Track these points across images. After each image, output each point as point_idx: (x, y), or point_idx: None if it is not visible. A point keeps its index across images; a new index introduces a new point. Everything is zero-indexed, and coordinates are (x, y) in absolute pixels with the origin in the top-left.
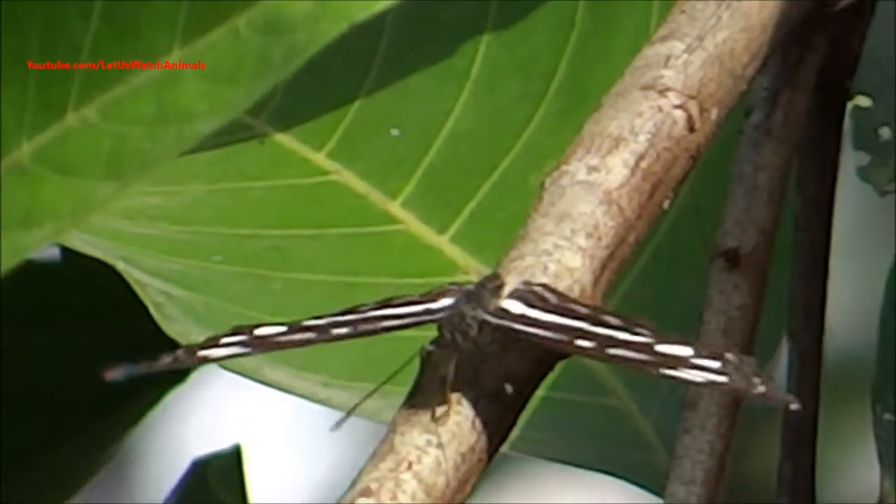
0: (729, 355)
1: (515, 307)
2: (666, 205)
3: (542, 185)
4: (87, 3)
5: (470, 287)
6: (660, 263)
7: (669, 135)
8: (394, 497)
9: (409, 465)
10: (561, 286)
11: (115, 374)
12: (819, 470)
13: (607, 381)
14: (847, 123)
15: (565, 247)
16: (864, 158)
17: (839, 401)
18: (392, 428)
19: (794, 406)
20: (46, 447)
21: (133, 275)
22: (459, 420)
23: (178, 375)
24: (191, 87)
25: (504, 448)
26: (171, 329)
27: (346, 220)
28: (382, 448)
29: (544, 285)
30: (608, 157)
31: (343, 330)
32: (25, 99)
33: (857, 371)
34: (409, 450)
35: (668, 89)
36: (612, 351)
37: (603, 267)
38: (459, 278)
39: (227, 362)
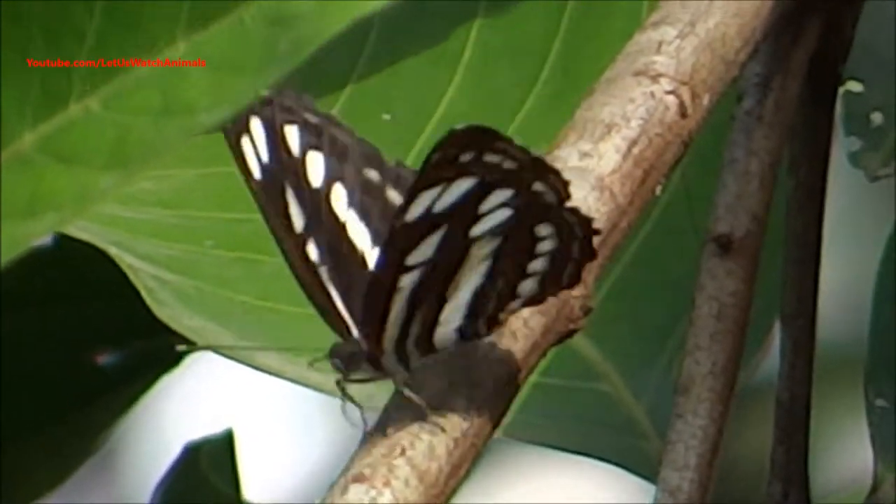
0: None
1: None
2: (658, 190)
3: None
4: None
5: None
6: (651, 249)
7: (661, 121)
8: (387, 482)
9: (402, 451)
10: None
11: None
12: (812, 455)
13: (600, 367)
14: (839, 109)
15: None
16: (856, 144)
17: (832, 386)
18: (385, 413)
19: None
20: (38, 430)
21: (125, 259)
22: (452, 406)
23: (172, 360)
24: (196, 79)
25: (497, 433)
26: (163, 313)
27: None
28: (375, 433)
29: None
30: (600, 142)
31: None
32: (28, 88)
33: (849, 356)
34: (402, 435)
35: (660, 75)
36: None
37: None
38: None
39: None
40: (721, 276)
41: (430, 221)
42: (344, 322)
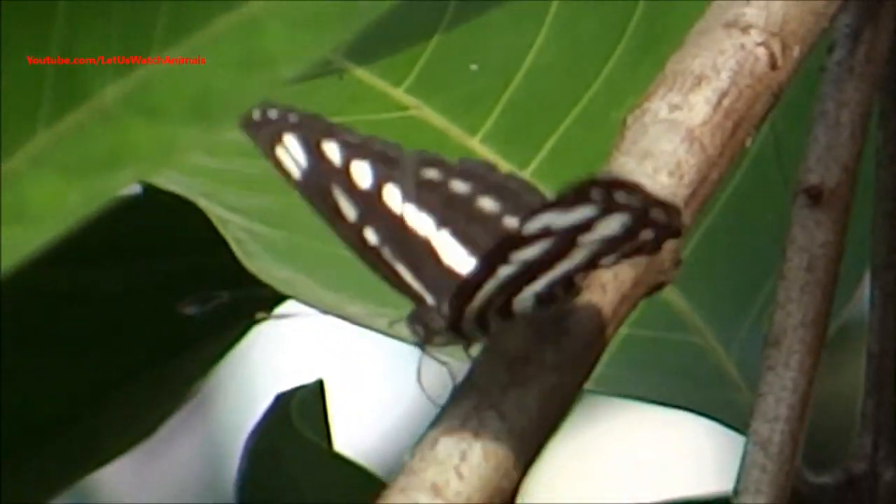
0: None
1: None
2: (748, 142)
3: (624, 122)
4: None
5: None
6: (741, 201)
7: (752, 72)
8: (476, 435)
9: (491, 404)
10: None
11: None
12: None
13: (689, 318)
14: None
15: (647, 185)
16: None
17: None
18: (473, 367)
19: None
20: (126, 383)
21: (214, 211)
22: (541, 359)
23: (262, 311)
24: (275, 32)
25: (586, 386)
26: (253, 265)
27: None
28: (464, 387)
29: None
30: (690, 94)
31: None
32: (109, 43)
33: None
34: (491, 388)
35: (750, 26)
36: None
37: (685, 205)
38: None
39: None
40: (811, 228)
41: (545, 233)
42: (415, 292)
